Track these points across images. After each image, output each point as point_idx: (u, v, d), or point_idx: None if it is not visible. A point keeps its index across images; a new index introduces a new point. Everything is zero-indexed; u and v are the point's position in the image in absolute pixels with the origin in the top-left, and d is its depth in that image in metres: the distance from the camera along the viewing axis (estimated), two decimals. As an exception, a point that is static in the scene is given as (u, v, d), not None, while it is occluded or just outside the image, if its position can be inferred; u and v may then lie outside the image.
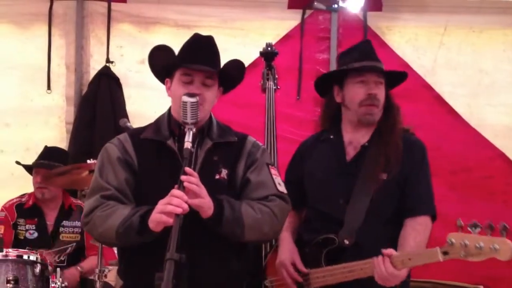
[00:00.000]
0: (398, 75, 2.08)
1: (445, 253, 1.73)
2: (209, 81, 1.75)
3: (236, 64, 1.80)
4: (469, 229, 1.71)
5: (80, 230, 2.91)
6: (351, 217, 1.93)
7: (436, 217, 1.98)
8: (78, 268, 2.86)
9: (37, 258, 2.39)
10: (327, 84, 2.09)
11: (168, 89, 1.81)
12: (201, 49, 1.75)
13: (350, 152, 2.01)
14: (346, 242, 1.91)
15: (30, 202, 2.94)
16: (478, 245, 1.68)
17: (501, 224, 1.68)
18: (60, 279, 2.43)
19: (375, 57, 2.03)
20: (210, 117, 1.83)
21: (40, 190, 2.91)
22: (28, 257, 2.37)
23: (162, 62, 1.79)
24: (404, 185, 1.95)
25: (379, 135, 1.99)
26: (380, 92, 1.98)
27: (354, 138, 2.02)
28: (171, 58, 1.77)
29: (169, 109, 1.84)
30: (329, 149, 2.04)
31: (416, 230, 1.91)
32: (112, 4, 3.55)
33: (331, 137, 2.06)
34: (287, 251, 2.00)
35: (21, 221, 2.90)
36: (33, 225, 2.89)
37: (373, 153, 1.96)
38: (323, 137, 2.09)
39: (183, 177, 1.61)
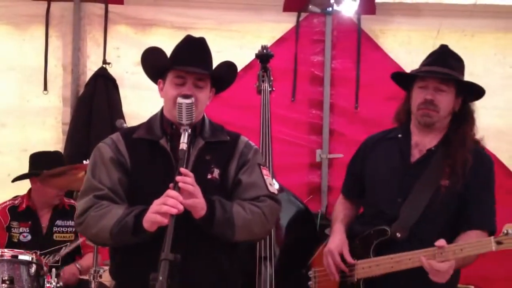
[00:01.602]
0: (469, 85, 2.01)
1: (498, 242, 1.74)
2: (201, 82, 1.77)
3: (228, 66, 1.82)
4: None
5: (74, 230, 2.90)
6: (405, 212, 1.94)
7: (495, 232, 1.93)
8: (77, 265, 2.87)
9: (32, 258, 2.40)
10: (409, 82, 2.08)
11: (161, 90, 1.83)
12: (193, 50, 1.77)
13: (416, 154, 2.01)
14: (398, 235, 1.92)
15: (24, 205, 2.93)
16: None
17: None
18: (56, 279, 2.44)
19: (445, 63, 2.00)
20: (203, 116, 1.84)
21: (59, 198, 2.91)
22: (24, 257, 2.38)
23: (154, 64, 1.81)
24: (465, 198, 1.94)
25: (448, 144, 1.98)
26: (441, 99, 1.95)
27: (421, 141, 2.02)
28: (163, 59, 1.79)
29: (162, 109, 1.85)
30: (395, 148, 2.05)
31: (470, 237, 1.89)
32: (109, 6, 3.56)
33: (399, 136, 2.06)
34: (337, 240, 2.02)
35: (15, 224, 2.90)
36: (27, 228, 2.89)
37: (439, 160, 1.96)
38: (391, 135, 2.10)
39: (178, 178, 1.63)
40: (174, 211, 1.58)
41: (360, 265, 1.97)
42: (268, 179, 1.82)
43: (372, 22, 3.49)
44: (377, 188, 2.04)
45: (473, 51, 3.44)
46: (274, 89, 2.74)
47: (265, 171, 1.83)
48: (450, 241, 1.88)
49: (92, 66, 3.61)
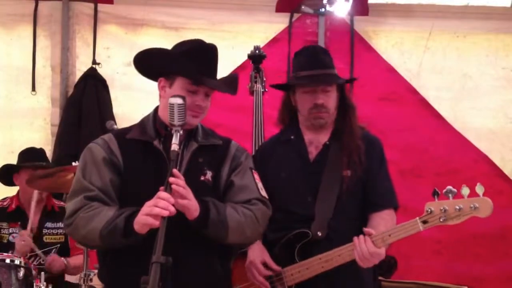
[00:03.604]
0: (347, 81, 2.13)
1: (424, 222, 1.77)
2: (211, 91, 1.77)
3: (235, 80, 1.83)
4: (445, 195, 1.76)
5: (63, 232, 2.87)
6: (320, 211, 1.97)
7: (397, 208, 2.03)
8: (64, 260, 2.83)
9: (20, 262, 2.37)
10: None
11: (162, 88, 1.78)
12: (210, 62, 1.76)
13: (313, 152, 2.06)
14: (319, 234, 1.95)
15: (13, 206, 2.91)
16: (458, 207, 1.74)
17: (477, 185, 1.73)
18: (44, 283, 2.40)
19: (323, 64, 2.05)
20: None
21: (41, 193, 2.87)
22: (12, 261, 2.35)
23: (161, 65, 1.76)
24: (366, 181, 2.01)
25: (339, 135, 2.05)
26: (328, 99, 2.03)
27: (315, 138, 2.07)
28: (170, 62, 1.75)
29: (155, 110, 1.83)
30: (291, 150, 2.08)
31: (385, 219, 1.96)
32: (99, 5, 3.53)
33: (292, 137, 2.09)
34: (256, 251, 2.00)
35: (4, 224, 2.87)
36: (16, 228, 2.85)
37: (335, 152, 2.02)
38: (283, 138, 2.12)
39: (170, 179, 1.60)
40: (165, 213, 1.55)
41: (289, 271, 1.95)
42: (260, 183, 1.82)
43: (365, 23, 3.50)
44: (284, 192, 2.03)
45: (465, 52, 3.47)
46: (267, 90, 2.73)
47: (256, 176, 1.83)
48: (365, 226, 1.92)
49: (81, 67, 3.57)
